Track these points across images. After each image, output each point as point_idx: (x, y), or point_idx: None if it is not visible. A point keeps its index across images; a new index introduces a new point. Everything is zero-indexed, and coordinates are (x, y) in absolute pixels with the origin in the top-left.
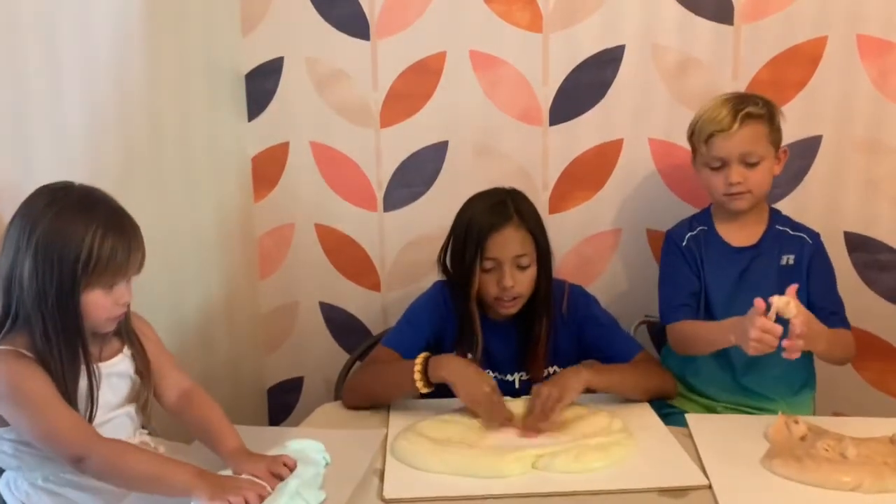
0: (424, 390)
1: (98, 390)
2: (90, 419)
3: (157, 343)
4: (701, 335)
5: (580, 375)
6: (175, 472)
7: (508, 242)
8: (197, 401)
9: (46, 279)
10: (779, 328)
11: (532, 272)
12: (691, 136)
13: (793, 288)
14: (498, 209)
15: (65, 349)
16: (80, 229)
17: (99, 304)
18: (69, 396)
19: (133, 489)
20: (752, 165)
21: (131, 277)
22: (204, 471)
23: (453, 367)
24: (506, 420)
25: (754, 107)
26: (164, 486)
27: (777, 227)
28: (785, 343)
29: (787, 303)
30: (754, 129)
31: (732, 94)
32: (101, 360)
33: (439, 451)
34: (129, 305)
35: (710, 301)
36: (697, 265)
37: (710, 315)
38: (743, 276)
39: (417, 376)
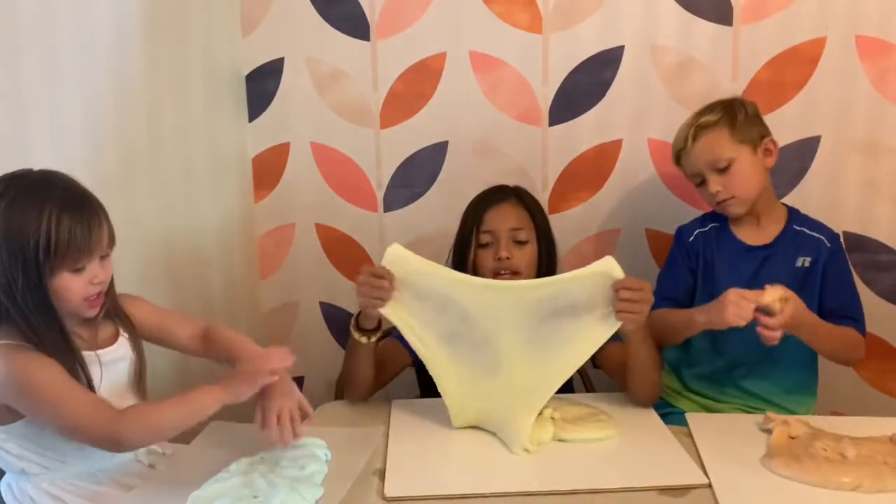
0: (362, 339)
1: (91, 374)
2: None
3: (153, 309)
4: (669, 319)
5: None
6: (203, 399)
7: (504, 215)
8: (215, 336)
9: (11, 270)
10: (755, 294)
11: (530, 251)
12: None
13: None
14: (498, 190)
15: (49, 339)
16: (35, 215)
17: (71, 288)
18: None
19: (177, 433)
20: (724, 171)
21: (105, 255)
22: (223, 382)
23: None
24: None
25: (708, 116)
26: (201, 416)
27: (794, 226)
28: (764, 327)
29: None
30: (710, 137)
31: (701, 108)
32: (98, 347)
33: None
34: (108, 284)
35: None
36: (698, 262)
37: None
38: (756, 276)
39: (352, 328)
